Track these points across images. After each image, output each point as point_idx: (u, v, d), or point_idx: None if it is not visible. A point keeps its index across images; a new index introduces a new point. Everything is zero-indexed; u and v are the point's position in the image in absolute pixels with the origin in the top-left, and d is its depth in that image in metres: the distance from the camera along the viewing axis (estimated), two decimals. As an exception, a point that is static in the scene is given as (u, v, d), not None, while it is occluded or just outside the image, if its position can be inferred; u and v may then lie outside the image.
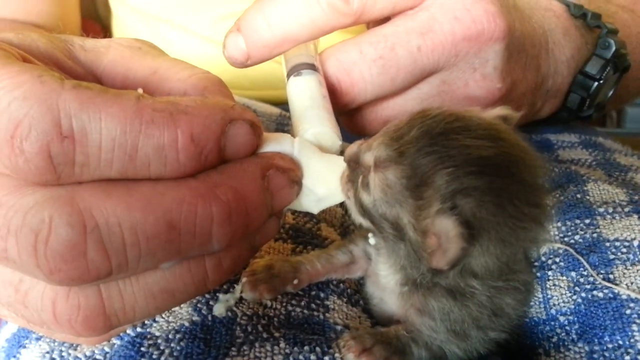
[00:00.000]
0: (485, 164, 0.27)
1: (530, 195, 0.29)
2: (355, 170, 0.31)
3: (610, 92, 0.56)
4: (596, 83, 0.53)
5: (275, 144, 0.31)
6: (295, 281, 0.33)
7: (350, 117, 0.43)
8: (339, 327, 0.32)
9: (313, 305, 0.33)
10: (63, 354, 0.32)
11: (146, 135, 0.25)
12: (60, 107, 0.24)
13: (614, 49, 0.52)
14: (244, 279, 0.32)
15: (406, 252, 0.30)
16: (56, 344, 0.32)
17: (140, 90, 0.27)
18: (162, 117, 0.25)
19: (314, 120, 0.34)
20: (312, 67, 0.38)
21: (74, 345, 0.32)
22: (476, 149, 0.28)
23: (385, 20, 0.40)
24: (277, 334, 0.31)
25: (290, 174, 0.30)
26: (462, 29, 0.39)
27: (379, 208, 0.30)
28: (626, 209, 0.39)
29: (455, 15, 0.38)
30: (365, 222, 0.32)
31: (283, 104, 0.39)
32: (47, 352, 0.32)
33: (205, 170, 0.27)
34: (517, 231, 0.28)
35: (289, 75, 0.38)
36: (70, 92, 0.24)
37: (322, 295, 0.34)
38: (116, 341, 0.31)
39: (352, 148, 0.31)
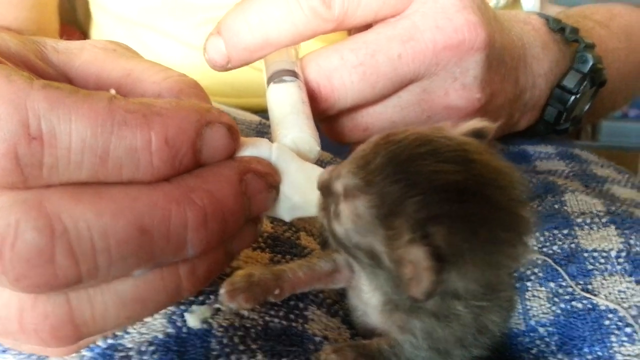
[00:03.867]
0: (455, 190, 0.27)
1: (505, 219, 0.28)
2: (327, 199, 0.30)
3: (587, 106, 0.57)
4: (573, 97, 0.53)
5: (253, 148, 0.30)
6: (277, 291, 0.32)
7: (330, 124, 0.42)
8: (317, 339, 0.32)
9: (292, 316, 0.32)
10: (29, 366, 0.30)
11: (118, 137, 0.24)
12: (29, 107, 0.23)
13: (591, 63, 0.53)
14: (222, 290, 0.31)
15: (385, 279, 0.30)
16: (23, 356, 0.31)
17: (112, 91, 0.26)
18: (135, 119, 0.25)
19: (292, 126, 0.33)
20: (293, 73, 0.38)
21: (42, 357, 0.30)
22: (444, 174, 0.27)
23: (367, 27, 0.40)
24: (254, 346, 0.30)
25: (269, 178, 0.29)
26: (444, 37, 0.39)
27: (352, 238, 0.29)
28: (604, 220, 0.39)
29: (437, 24, 0.39)
30: (340, 251, 0.31)
31: (263, 112, 0.39)
32: (12, 365, 0.31)
33: (180, 174, 0.26)
34: (493, 255, 0.28)
35: (269, 82, 0.38)
36: (39, 92, 0.23)
37: (301, 305, 0.33)
38: (86, 353, 0.30)
39: (324, 175, 0.30)
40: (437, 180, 0.27)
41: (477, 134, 0.31)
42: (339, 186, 0.29)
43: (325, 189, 0.30)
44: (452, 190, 0.27)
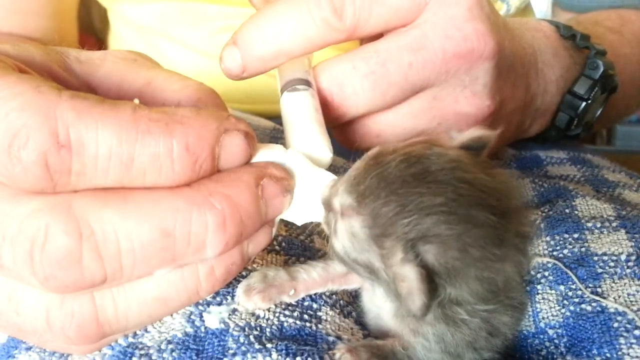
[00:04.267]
0: (442, 210, 0.27)
1: (494, 235, 0.28)
2: (329, 214, 0.31)
3: (598, 112, 0.57)
4: (584, 103, 0.54)
5: (268, 154, 0.31)
6: (292, 291, 0.33)
7: (342, 131, 0.43)
8: (331, 338, 0.33)
9: (306, 316, 0.33)
10: (53, 363, 0.31)
11: (142, 145, 0.25)
12: (58, 116, 0.24)
13: (602, 69, 0.54)
14: (239, 290, 0.32)
15: (386, 290, 0.31)
16: (46, 354, 0.32)
17: (136, 101, 0.27)
18: (158, 127, 0.26)
19: (306, 133, 0.34)
20: (306, 82, 0.39)
21: (65, 355, 0.32)
22: (433, 196, 0.28)
23: (378, 37, 0.41)
24: (269, 345, 0.31)
25: (284, 183, 0.30)
26: (453, 46, 0.40)
27: (350, 254, 0.30)
28: (614, 224, 0.39)
29: (446, 33, 0.39)
30: (341, 264, 0.32)
31: (277, 118, 0.40)
32: (37, 362, 0.32)
33: (199, 179, 0.28)
34: (488, 269, 0.29)
35: (282, 90, 0.39)
36: (67, 102, 0.25)
37: (314, 306, 0.34)
38: (107, 351, 0.31)
39: (325, 191, 0.32)
40: (426, 202, 0.28)
41: (477, 142, 0.32)
42: (337, 203, 0.30)
43: (327, 204, 0.31)
44: (441, 212, 0.27)
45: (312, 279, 0.34)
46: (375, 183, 0.29)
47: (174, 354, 0.30)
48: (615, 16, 0.69)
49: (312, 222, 0.34)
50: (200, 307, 0.32)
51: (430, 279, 0.27)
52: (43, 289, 0.26)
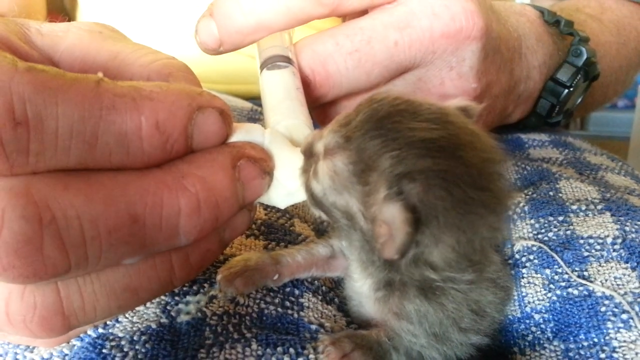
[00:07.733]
0: (430, 146, 0.27)
1: (478, 178, 0.28)
2: (309, 160, 0.30)
3: (579, 100, 0.57)
4: (566, 90, 0.53)
5: (246, 134, 0.29)
6: (276, 276, 0.32)
7: (323, 112, 0.42)
8: (313, 327, 0.31)
9: (287, 303, 0.32)
10: (18, 356, 0.29)
11: (107, 122, 0.23)
12: (13, 90, 0.22)
13: (585, 57, 0.53)
14: (219, 275, 0.31)
15: (360, 243, 0.30)
16: (10, 346, 0.30)
17: (100, 74, 0.25)
18: (124, 103, 0.24)
19: (286, 112, 0.33)
20: (287, 59, 0.37)
21: (30, 347, 0.30)
22: (420, 131, 0.27)
23: (362, 13, 0.39)
24: (248, 335, 0.29)
25: (262, 164, 0.29)
26: (441, 25, 0.38)
27: (329, 197, 0.29)
28: (599, 207, 0.39)
29: (434, 11, 0.38)
30: (318, 213, 0.31)
31: (254, 99, 0.38)
32: (0, 355, 0.30)
33: (171, 160, 0.26)
34: (467, 217, 0.27)
35: (262, 67, 0.37)
36: (24, 75, 0.23)
37: (296, 292, 0.33)
38: (76, 342, 0.29)
39: (308, 139, 0.31)
40: (413, 137, 0.27)
41: (462, 112, 0.31)
42: (320, 146, 0.29)
43: (308, 151, 0.30)
44: (428, 147, 0.27)
45: (296, 262, 0.33)
46: (366, 118, 0.28)
47: (147, 345, 0.28)
48: (595, 3, 0.69)
49: (293, 205, 0.32)
50: (177, 297, 0.31)
51: (413, 218, 0.26)
52: (1, 280, 0.24)
